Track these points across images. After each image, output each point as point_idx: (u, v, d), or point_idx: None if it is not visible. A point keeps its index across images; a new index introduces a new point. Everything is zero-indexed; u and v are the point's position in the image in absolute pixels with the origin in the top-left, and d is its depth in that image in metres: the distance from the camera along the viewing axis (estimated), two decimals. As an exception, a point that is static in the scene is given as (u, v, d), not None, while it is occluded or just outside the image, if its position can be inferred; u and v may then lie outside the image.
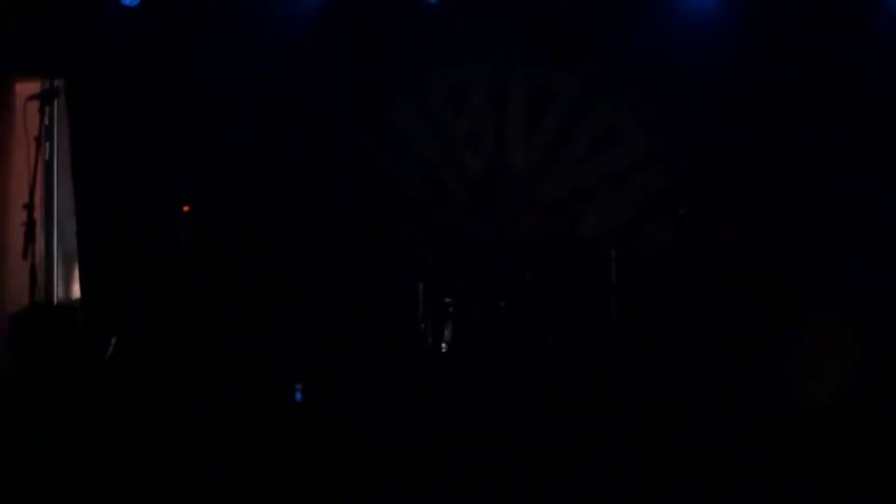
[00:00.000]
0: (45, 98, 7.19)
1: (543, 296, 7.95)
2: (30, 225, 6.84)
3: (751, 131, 8.17)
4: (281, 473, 4.98)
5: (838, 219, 7.89)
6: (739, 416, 6.31)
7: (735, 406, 6.54)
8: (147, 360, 7.46)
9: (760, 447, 5.78)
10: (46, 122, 7.58)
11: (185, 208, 8.08)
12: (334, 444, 5.73)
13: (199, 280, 8.11)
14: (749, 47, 8.13)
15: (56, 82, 7.91)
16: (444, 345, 7.88)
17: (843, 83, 7.99)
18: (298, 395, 6.71)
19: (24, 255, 6.75)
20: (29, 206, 6.84)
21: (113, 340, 7.87)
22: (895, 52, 7.98)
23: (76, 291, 8.54)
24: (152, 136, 8.32)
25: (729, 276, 7.88)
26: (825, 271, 7.75)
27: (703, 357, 7.41)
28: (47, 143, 8.12)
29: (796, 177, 8.05)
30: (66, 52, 8.27)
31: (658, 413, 6.58)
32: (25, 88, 7.82)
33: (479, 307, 7.92)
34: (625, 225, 8.22)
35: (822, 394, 6.55)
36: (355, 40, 8.44)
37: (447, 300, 7.91)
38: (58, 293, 8.51)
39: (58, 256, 8.57)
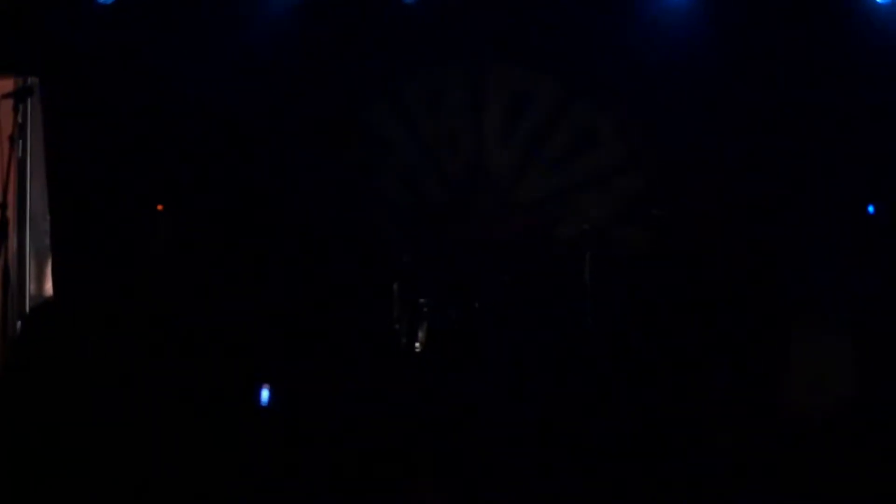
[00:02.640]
0: (18, 96, 7.13)
1: (518, 297, 7.97)
2: (2, 224, 6.79)
3: (727, 134, 8.21)
4: (253, 474, 4.98)
5: (816, 221, 7.93)
6: (714, 417, 6.35)
7: (709, 407, 6.58)
8: (121, 358, 7.43)
9: (736, 448, 5.82)
10: (20, 121, 7.53)
11: (160, 207, 8.06)
12: (307, 444, 5.73)
13: (173, 279, 8.08)
14: (727, 50, 8.16)
15: (30, 80, 7.85)
16: (417, 345, 7.89)
17: (823, 85, 8.03)
18: (265, 396, 6.68)
19: (-1, 249, 6.71)
20: (2, 205, 6.79)
21: (88, 339, 7.83)
22: (874, 53, 8.01)
23: (48, 290, 8.48)
24: (127, 134, 8.29)
25: (703, 279, 7.92)
26: (801, 274, 7.79)
27: (677, 359, 7.45)
28: (21, 142, 8.06)
29: (773, 179, 8.10)
30: (40, 50, 8.22)
31: (632, 414, 6.61)
32: (-1, 86, 7.74)
33: (454, 308, 7.93)
34: (600, 227, 8.24)
35: (800, 397, 6.59)
36: (332, 41, 8.44)
37: (422, 300, 7.93)
38: (30, 292, 8.45)
39: (30, 255, 8.50)
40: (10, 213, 7.28)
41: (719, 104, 8.19)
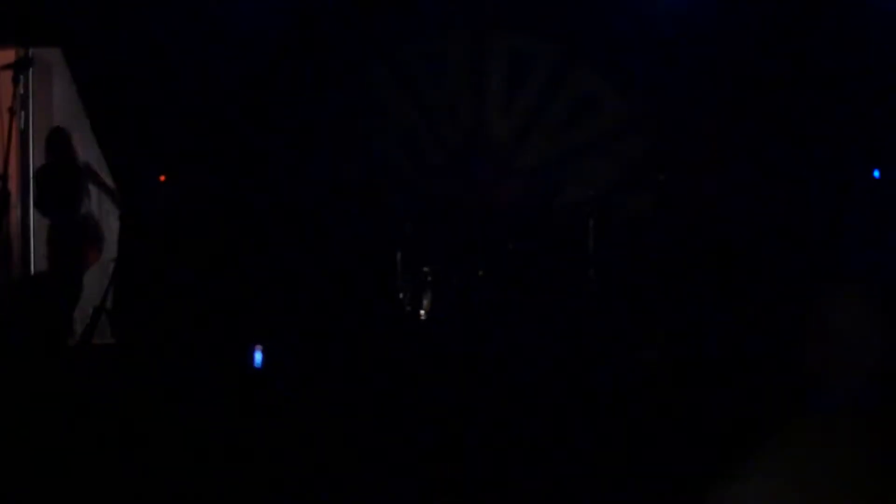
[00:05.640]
0: (18, 67, 7.12)
1: (522, 264, 7.96)
2: (4, 195, 6.81)
3: (732, 98, 8.16)
4: (252, 443, 4.99)
5: (816, 187, 7.90)
6: (715, 384, 6.34)
7: (711, 374, 6.58)
8: (124, 327, 7.47)
9: (737, 419, 5.81)
10: (21, 92, 7.52)
11: (162, 178, 8.05)
12: (309, 414, 5.75)
13: (174, 247, 8.09)
14: (730, 16, 8.10)
15: (30, 51, 7.83)
16: (422, 312, 7.89)
17: (826, 54, 7.96)
18: (258, 358, 6.67)
19: (-1, 227, 6.73)
20: (3, 177, 6.80)
21: (91, 309, 7.90)
22: (884, 27, 7.94)
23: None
24: (128, 105, 8.26)
25: (707, 245, 7.90)
26: (803, 241, 7.77)
27: (681, 326, 7.44)
28: (22, 113, 8.06)
29: (780, 143, 8.06)
30: (49, 19, 8.16)
31: (637, 381, 6.61)
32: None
33: (458, 276, 7.93)
34: (604, 193, 8.21)
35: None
36: (333, 7, 8.39)
37: (426, 269, 7.92)
38: (35, 264, 8.47)
39: (34, 227, 8.49)
40: (13, 184, 7.31)
41: (723, 67, 8.13)
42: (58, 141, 8.02)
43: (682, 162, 8.19)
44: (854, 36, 7.87)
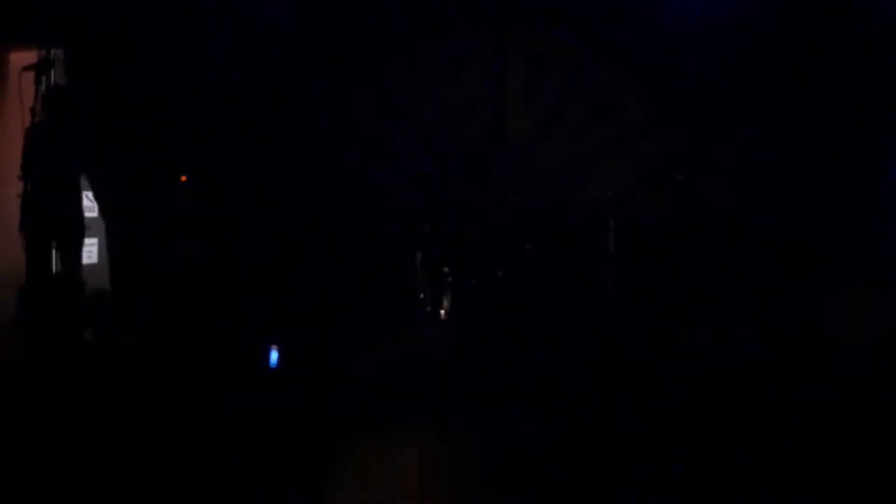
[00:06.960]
0: (40, 68, 7.17)
1: (541, 265, 7.96)
2: (26, 196, 6.84)
3: (750, 97, 8.14)
4: (268, 442, 5.00)
5: (833, 185, 7.87)
6: (735, 386, 6.32)
7: (729, 375, 6.55)
8: (146, 329, 7.50)
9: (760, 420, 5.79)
10: (43, 92, 7.55)
11: (183, 178, 8.09)
12: (325, 414, 5.76)
13: (197, 248, 8.12)
14: (750, 17, 8.07)
15: (52, 52, 7.87)
16: (442, 312, 7.90)
17: (847, 53, 7.93)
18: (274, 358, 6.67)
19: (21, 227, 6.77)
20: (24, 177, 6.84)
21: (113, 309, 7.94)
22: None
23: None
24: (147, 107, 8.29)
25: (726, 244, 7.88)
26: (823, 241, 7.74)
27: (700, 326, 7.42)
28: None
29: (798, 142, 8.03)
30: (63, 21, 8.21)
31: (655, 381, 6.59)
32: (21, 58, 7.76)
33: (478, 276, 7.94)
34: (623, 193, 8.20)
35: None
36: (352, 7, 8.41)
37: (445, 269, 7.93)
38: (56, 263, 8.51)
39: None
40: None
41: (742, 67, 8.10)
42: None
43: (701, 162, 8.18)
44: (875, 36, 7.83)
